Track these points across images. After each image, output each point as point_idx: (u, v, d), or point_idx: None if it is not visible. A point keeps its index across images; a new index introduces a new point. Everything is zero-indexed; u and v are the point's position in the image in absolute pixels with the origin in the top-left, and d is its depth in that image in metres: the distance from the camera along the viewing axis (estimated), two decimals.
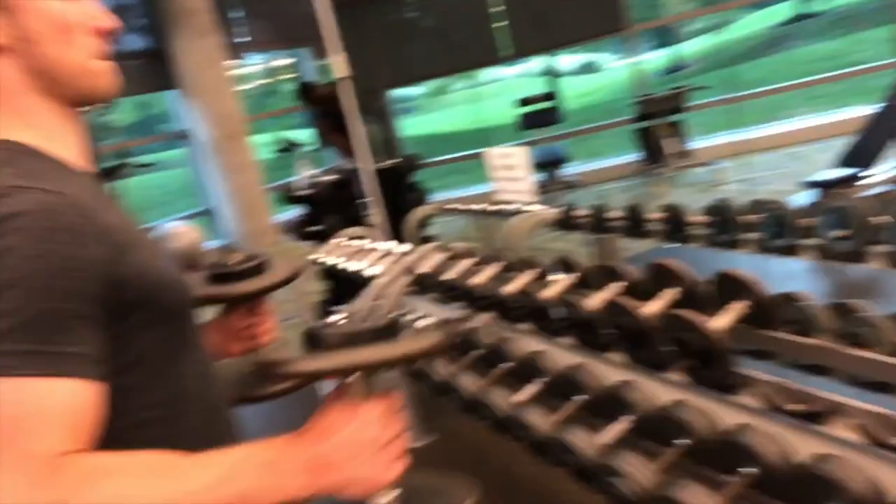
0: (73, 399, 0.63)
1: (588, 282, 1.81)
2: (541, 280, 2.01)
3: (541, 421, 1.75)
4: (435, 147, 12.47)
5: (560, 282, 1.82)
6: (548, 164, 6.64)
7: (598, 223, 2.51)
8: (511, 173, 2.72)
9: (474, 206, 3.20)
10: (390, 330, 0.72)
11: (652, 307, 1.47)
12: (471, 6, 7.61)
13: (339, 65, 3.73)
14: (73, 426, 0.64)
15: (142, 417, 0.74)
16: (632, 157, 7.00)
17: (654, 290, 1.55)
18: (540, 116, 7.16)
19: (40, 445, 0.61)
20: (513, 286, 1.93)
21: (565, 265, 1.91)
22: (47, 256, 0.64)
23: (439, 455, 2.80)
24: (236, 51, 8.54)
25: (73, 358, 0.64)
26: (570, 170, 7.18)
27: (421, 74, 8.83)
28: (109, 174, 5.91)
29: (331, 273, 3.66)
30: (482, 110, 17.31)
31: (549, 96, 7.52)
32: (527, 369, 1.95)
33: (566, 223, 2.67)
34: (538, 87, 16.55)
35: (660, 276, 1.57)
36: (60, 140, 0.77)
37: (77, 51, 0.77)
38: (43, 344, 0.62)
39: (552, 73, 15.69)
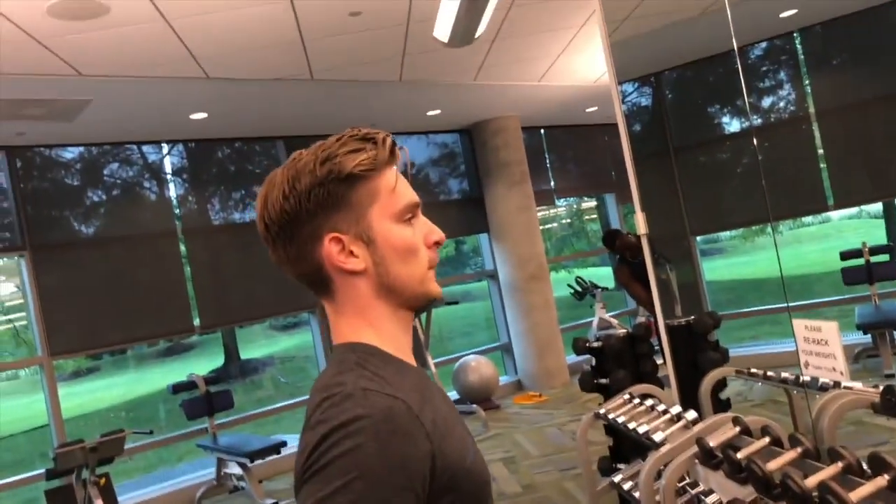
0: None
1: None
2: (846, 475, 1.80)
3: None
4: (741, 295, 11.75)
5: (868, 485, 1.62)
6: (878, 325, 5.86)
7: None
8: (819, 348, 2.50)
9: (772, 374, 2.96)
10: None
11: None
12: (796, 149, 7.31)
13: (640, 222, 3.83)
14: None
15: None
16: None
17: None
18: (868, 271, 6.42)
19: None
20: (812, 480, 1.75)
21: (877, 462, 1.69)
22: (388, 455, 0.75)
23: None
24: (545, 197, 9.14)
25: None
26: None
27: (733, 222, 8.55)
28: (420, 310, 6.59)
29: (613, 429, 3.61)
30: (802, 255, 15.97)
31: (886, 249, 6.75)
32: None
33: (888, 408, 2.35)
34: (872, 231, 14.82)
35: None
36: (396, 341, 0.92)
37: (417, 267, 0.93)
38: None
39: (894, 217, 13.84)
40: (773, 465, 2.01)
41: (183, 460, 8.69)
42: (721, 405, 3.85)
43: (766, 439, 2.23)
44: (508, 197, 8.06)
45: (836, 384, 2.69)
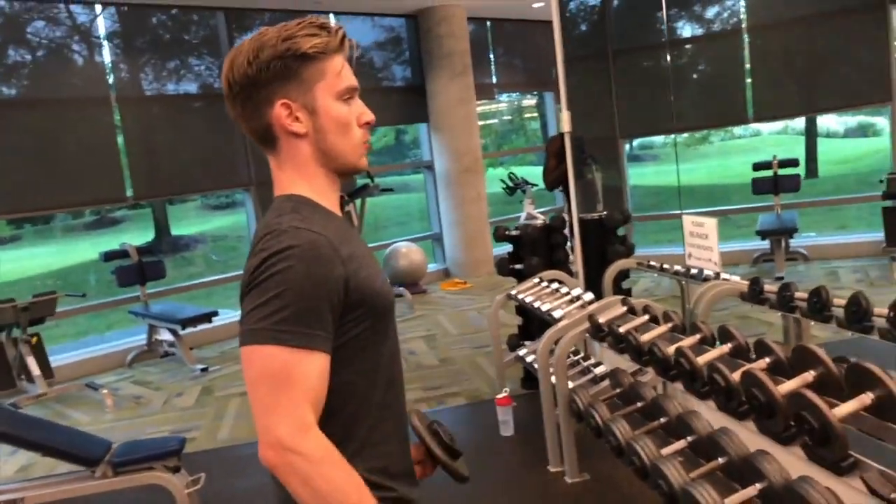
0: (319, 366, 0.98)
1: (741, 354, 1.91)
2: (702, 345, 2.13)
3: (677, 475, 1.88)
4: (665, 200, 12.27)
5: (714, 351, 1.95)
6: (775, 232, 6.36)
7: (783, 301, 2.54)
8: (702, 241, 2.82)
9: (667, 267, 3.31)
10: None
11: (786, 386, 1.57)
12: (726, 62, 7.56)
13: (564, 119, 4.03)
14: (318, 387, 0.98)
15: (349, 379, 1.06)
16: (877, 235, 6.45)
17: (795, 371, 1.64)
18: (774, 183, 6.88)
19: (302, 402, 0.95)
20: (672, 347, 2.08)
21: (725, 335, 2.02)
22: (311, 274, 0.98)
23: (589, 494, 2.96)
24: (487, 90, 9.20)
25: (322, 338, 0.98)
26: (801, 241, 6.81)
27: (661, 128, 8.85)
28: (356, 194, 6.74)
29: (523, 310, 3.94)
30: (729, 166, 16.58)
31: (791, 162, 7.19)
32: (677, 427, 2.08)
33: (753, 297, 2.71)
34: (795, 146, 15.48)
35: (802, 359, 1.65)
36: (326, 195, 1.13)
37: (349, 140, 1.12)
38: (307, 328, 0.96)
39: (813, 134, 14.53)
40: (645, 337, 2.34)
41: (112, 328, 8.82)
42: (622, 294, 4.24)
43: (646, 317, 2.57)
44: (450, 88, 8.10)
45: (717, 276, 3.05)
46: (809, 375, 1.58)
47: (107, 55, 6.42)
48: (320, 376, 0.99)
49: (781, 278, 6.12)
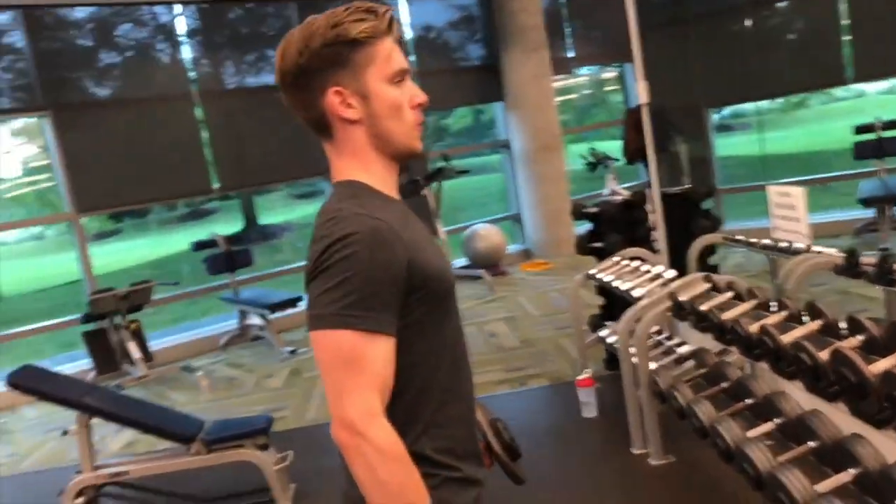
0: (385, 349, 1.00)
1: (830, 332, 1.79)
2: (789, 323, 2.01)
3: (763, 458, 1.79)
4: (759, 170, 11.70)
5: (801, 328, 1.83)
6: (879, 199, 5.95)
7: (882, 274, 2.37)
8: (788, 212, 2.65)
9: (754, 240, 3.14)
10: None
11: (880, 365, 1.46)
12: (820, 20, 7.09)
13: (641, 90, 3.88)
14: (385, 372, 1.00)
15: (414, 360, 1.07)
16: None
17: (891, 350, 1.52)
18: (878, 146, 6.43)
19: (370, 387, 0.97)
20: (756, 325, 1.97)
21: (814, 312, 1.89)
22: (375, 258, 0.99)
23: (674, 476, 2.86)
24: (564, 65, 9.00)
25: (388, 322, 1.00)
26: None
27: (748, 95, 8.42)
28: (432, 177, 6.74)
29: (604, 290, 3.84)
30: (829, 130, 15.60)
31: (893, 124, 6.71)
32: (765, 408, 1.98)
33: (849, 270, 2.54)
34: None
35: None
36: (383, 181, 1.13)
37: (402, 123, 1.12)
38: (374, 312, 0.98)
39: None
40: (728, 315, 2.24)
41: (206, 315, 9.21)
42: (709, 270, 4.07)
43: (729, 294, 2.45)
44: (524, 64, 7.96)
45: (808, 248, 2.88)
46: None
47: (188, 52, 6.66)
48: (386, 360, 1.01)
49: (886, 249, 5.74)
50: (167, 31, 6.60)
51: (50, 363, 6.67)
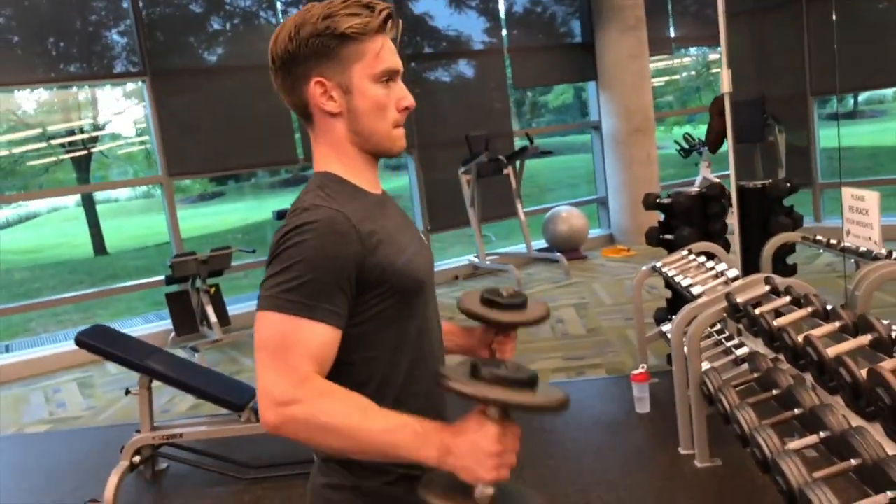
0: (322, 337, 0.99)
1: (883, 348, 1.65)
2: (842, 334, 1.87)
3: (797, 472, 1.69)
4: (882, 163, 10.85)
5: (848, 342, 1.69)
6: None
7: None
8: (862, 217, 2.44)
9: (833, 242, 2.93)
10: (531, 383, 0.90)
11: None
12: None
13: (724, 79, 3.68)
14: (319, 355, 0.99)
15: (370, 355, 1.08)
16: None
17: None
18: None
19: (299, 362, 0.97)
20: (801, 336, 1.84)
21: (865, 325, 1.75)
22: (324, 248, 0.99)
23: (718, 480, 2.74)
24: (664, 45, 8.63)
25: (328, 311, 0.99)
26: None
27: (869, 82, 7.81)
28: (514, 156, 6.65)
29: (669, 284, 3.69)
30: None
31: None
32: (810, 421, 1.86)
33: None
34: None
35: None
36: (360, 173, 1.14)
37: (384, 123, 1.12)
38: (312, 299, 0.98)
39: None
40: (781, 321, 2.10)
41: None
42: (786, 270, 3.85)
43: (787, 298, 2.30)
44: (620, 43, 7.69)
45: (890, 255, 2.66)
46: None
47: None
48: (322, 345, 1.00)
49: None
50: (269, 0, 6.77)
51: (141, 321, 7.10)
